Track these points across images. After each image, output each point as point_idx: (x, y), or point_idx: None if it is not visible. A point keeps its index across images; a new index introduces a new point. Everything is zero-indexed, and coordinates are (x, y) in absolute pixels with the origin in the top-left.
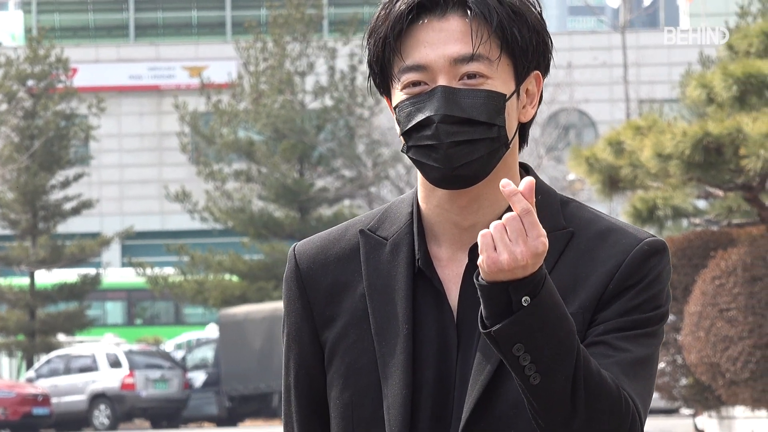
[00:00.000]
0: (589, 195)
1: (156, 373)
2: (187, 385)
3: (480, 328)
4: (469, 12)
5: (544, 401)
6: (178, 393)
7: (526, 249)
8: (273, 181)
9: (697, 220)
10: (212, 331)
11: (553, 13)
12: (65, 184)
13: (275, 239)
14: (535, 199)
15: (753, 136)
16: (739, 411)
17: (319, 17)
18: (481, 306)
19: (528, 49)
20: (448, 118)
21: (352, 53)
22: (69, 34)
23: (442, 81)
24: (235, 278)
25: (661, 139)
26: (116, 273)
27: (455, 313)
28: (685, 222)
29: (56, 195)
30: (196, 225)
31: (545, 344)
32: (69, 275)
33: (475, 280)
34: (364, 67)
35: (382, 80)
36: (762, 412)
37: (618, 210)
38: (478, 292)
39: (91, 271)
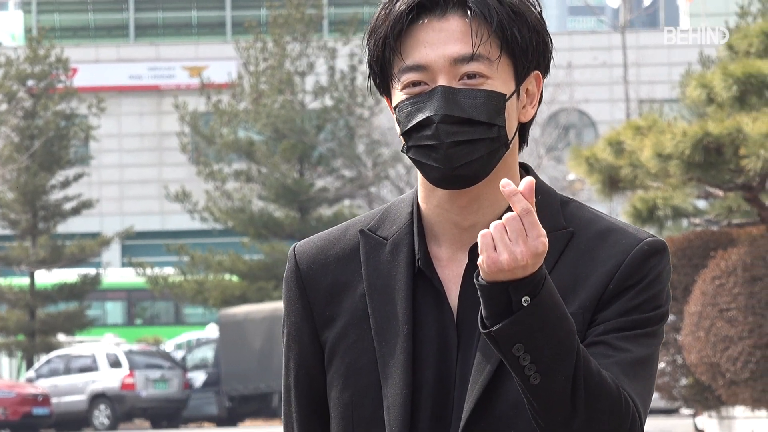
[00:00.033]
0: (589, 195)
1: (156, 373)
2: (187, 385)
3: (480, 328)
4: (469, 12)
5: (544, 401)
6: (178, 393)
7: (526, 249)
8: (273, 181)
9: (697, 220)
10: (212, 331)
11: (553, 13)
12: (65, 184)
13: (275, 239)
14: (535, 199)
15: (753, 136)
16: (739, 411)
17: (319, 17)
18: (481, 306)
19: (528, 49)
20: (448, 118)
21: (352, 53)
22: (69, 34)
23: (442, 81)
24: (235, 278)
25: (661, 139)
26: (116, 273)
27: (455, 313)
28: (685, 222)
29: (56, 195)
30: (196, 225)
31: (545, 344)
32: (69, 275)
33: (475, 280)
34: (364, 67)
35: (382, 80)
36: (762, 412)
37: (618, 210)
38: (478, 292)
39: (91, 271)
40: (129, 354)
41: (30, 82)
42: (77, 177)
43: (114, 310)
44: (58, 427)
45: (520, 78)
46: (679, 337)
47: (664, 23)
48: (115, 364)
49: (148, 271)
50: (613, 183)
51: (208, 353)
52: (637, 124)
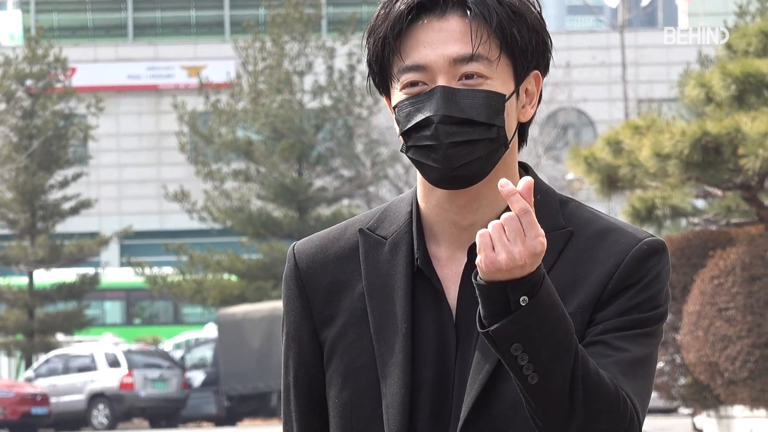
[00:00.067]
0: (588, 194)
1: (155, 373)
2: (186, 384)
3: (478, 327)
4: (468, 12)
5: (542, 401)
6: (176, 392)
7: (524, 249)
8: (271, 180)
9: (695, 220)
10: (211, 330)
11: (552, 13)
12: (64, 183)
13: (274, 239)
14: (533, 199)
15: (751, 135)
16: (738, 410)
17: (318, 17)
18: (479, 305)
19: (527, 49)
20: (448, 118)
21: (350, 53)
22: (67, 34)
23: (441, 81)
24: (233, 278)
25: (660, 139)
26: (115, 272)
27: (454, 313)
28: (683, 221)
29: (55, 194)
30: (194, 224)
31: (543, 344)
32: (68, 275)
33: (473, 280)
34: (363, 67)
35: (381, 80)
36: (761, 412)
37: (617, 209)
38: (477, 292)
39: (90, 270)
40: (128, 353)
41: (28, 82)
42: (76, 177)
43: (113, 310)
44: (56, 427)
45: (519, 78)
46: (677, 336)
47: (662, 23)
48: (113, 363)
49: (147, 270)
50: (611, 182)
51: (206, 353)
52: (636, 123)
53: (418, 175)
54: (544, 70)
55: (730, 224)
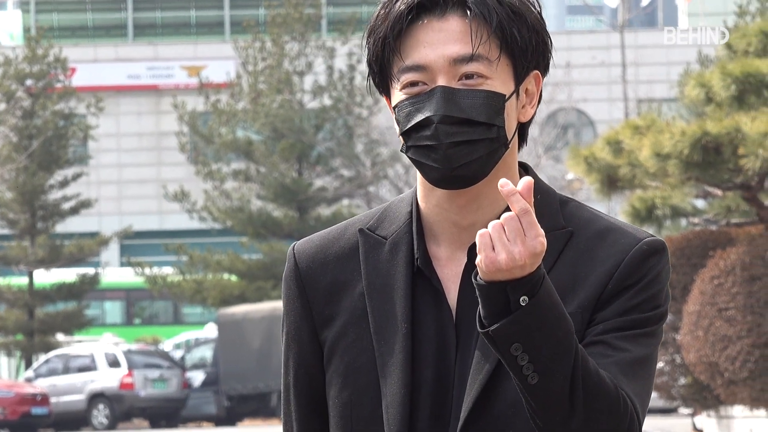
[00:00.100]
0: (588, 194)
1: (155, 373)
2: (186, 384)
3: (478, 327)
4: (468, 12)
5: (542, 401)
6: (176, 392)
7: (524, 249)
8: (271, 180)
9: (695, 220)
10: (211, 330)
11: (552, 13)
12: (64, 183)
13: (274, 239)
14: (533, 199)
15: (751, 135)
16: (738, 410)
17: (318, 17)
18: (479, 305)
19: (527, 49)
20: (448, 118)
21: (350, 53)
22: (67, 34)
23: (441, 81)
24: (233, 278)
25: (660, 139)
26: (115, 272)
27: (454, 313)
28: (683, 221)
29: (55, 194)
30: (194, 224)
31: (543, 344)
32: (68, 275)
33: (473, 280)
34: (363, 67)
35: (381, 80)
36: (761, 412)
37: (617, 209)
38: (477, 292)
39: (90, 270)
40: (128, 353)
41: (28, 82)
42: (76, 176)
43: (113, 310)
44: (56, 427)
45: (519, 78)
46: (677, 336)
47: (662, 23)
48: (113, 363)
49: (147, 270)
50: (611, 182)
51: (206, 353)
52: (636, 123)
53: (418, 175)
54: (544, 70)
55: (730, 224)
